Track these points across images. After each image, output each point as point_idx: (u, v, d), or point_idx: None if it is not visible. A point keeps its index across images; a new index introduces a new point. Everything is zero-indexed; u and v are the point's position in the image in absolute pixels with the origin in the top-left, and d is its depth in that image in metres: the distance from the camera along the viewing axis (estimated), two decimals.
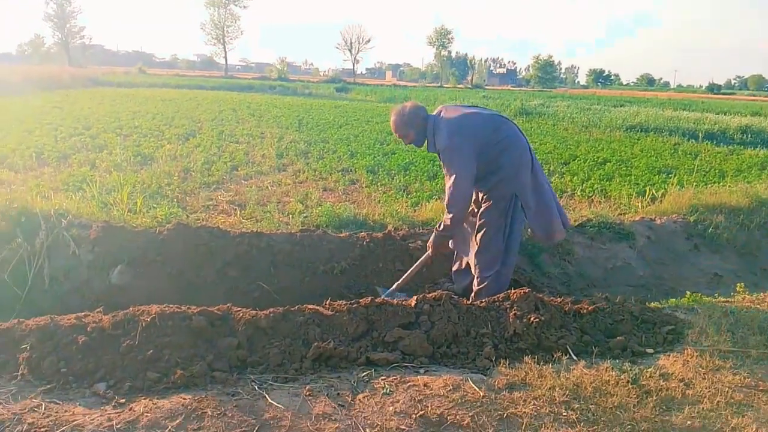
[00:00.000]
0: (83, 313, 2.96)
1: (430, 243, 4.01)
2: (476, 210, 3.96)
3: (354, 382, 2.59)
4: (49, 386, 2.48)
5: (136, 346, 2.69)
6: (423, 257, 4.09)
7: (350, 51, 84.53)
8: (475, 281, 3.90)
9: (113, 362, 2.63)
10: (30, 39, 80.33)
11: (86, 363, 2.62)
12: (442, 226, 3.84)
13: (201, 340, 2.80)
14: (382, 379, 2.61)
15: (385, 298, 3.56)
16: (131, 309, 2.90)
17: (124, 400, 2.38)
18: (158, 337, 2.74)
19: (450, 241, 4.10)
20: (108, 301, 3.69)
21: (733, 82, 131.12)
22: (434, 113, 3.85)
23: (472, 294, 3.89)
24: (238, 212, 5.46)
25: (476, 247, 3.87)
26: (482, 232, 3.80)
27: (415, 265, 4.10)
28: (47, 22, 63.24)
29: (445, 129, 3.68)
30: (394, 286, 4.08)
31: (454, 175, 3.61)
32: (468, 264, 4.10)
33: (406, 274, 4.09)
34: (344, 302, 3.18)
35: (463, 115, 3.76)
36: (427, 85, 74.77)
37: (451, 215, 3.72)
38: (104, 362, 2.63)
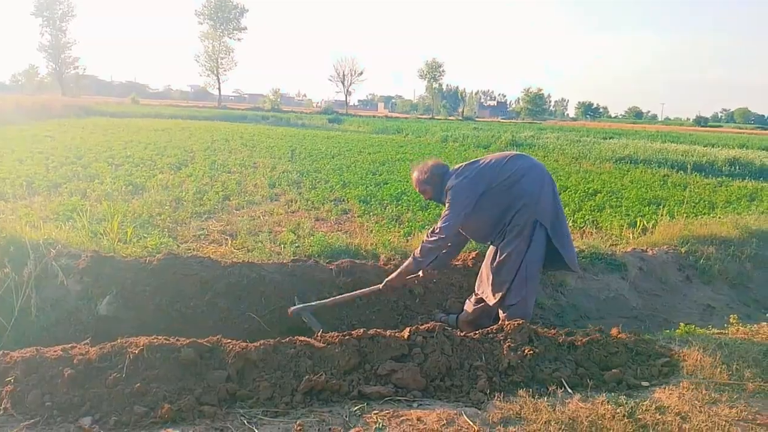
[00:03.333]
0: (70, 345, 2.90)
1: (392, 280, 4.02)
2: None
3: (346, 417, 2.54)
4: (32, 421, 2.41)
5: (123, 379, 2.63)
6: (370, 289, 4.12)
7: (343, 83, 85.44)
8: (501, 310, 3.83)
9: (99, 396, 2.56)
10: (24, 69, 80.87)
11: (72, 396, 2.55)
12: (419, 252, 3.87)
13: (189, 372, 2.74)
14: (374, 414, 2.56)
15: (305, 315, 3.88)
16: (119, 341, 2.84)
17: None
18: (146, 369, 2.69)
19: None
20: (96, 332, 3.64)
21: (719, 114, 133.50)
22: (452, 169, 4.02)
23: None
24: (230, 242, 5.42)
25: (495, 277, 3.83)
26: (508, 260, 3.77)
27: (353, 294, 4.14)
28: (41, 52, 63.54)
29: (454, 173, 3.91)
30: (314, 304, 4.09)
31: (449, 212, 3.78)
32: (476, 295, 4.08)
33: (336, 299, 4.11)
34: (336, 334, 3.14)
35: (472, 161, 3.99)
36: (419, 116, 75.56)
37: (434, 239, 3.78)
38: (90, 396, 2.57)
